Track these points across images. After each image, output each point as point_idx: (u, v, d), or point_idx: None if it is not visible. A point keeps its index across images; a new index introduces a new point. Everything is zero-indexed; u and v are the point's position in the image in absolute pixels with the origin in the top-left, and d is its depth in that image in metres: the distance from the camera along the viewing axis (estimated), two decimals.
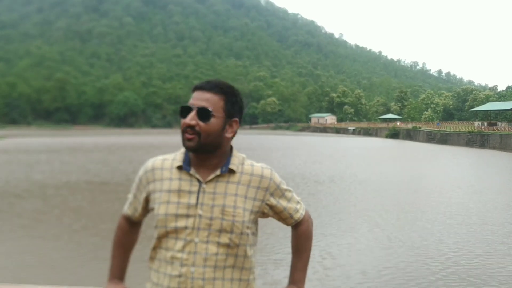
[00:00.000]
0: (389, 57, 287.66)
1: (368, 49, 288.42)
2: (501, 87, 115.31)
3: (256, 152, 30.50)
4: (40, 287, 2.40)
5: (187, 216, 1.43)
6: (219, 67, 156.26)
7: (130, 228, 1.68)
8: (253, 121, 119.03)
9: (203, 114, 1.43)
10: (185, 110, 1.46)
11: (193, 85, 1.53)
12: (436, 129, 58.06)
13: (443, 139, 51.16)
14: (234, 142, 1.54)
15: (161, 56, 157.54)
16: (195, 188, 1.45)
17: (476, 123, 57.64)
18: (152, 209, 1.52)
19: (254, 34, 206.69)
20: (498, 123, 54.04)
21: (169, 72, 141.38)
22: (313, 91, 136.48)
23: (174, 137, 54.34)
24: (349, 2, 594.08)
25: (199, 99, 1.45)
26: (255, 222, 1.55)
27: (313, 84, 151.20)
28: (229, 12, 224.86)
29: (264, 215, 1.56)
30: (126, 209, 1.66)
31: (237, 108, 1.51)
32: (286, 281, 1.65)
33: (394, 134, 66.03)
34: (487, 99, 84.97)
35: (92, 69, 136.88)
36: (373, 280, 6.75)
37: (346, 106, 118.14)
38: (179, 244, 1.42)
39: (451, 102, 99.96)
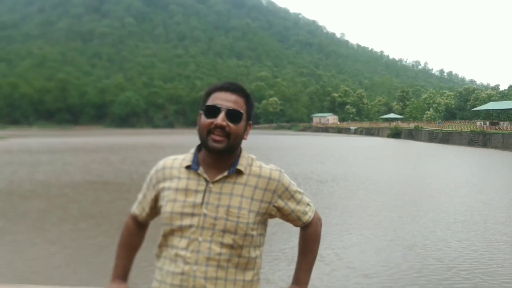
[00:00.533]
0: (390, 57, 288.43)
1: (369, 48, 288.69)
2: (503, 87, 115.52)
3: (258, 151, 30.42)
4: (42, 287, 2.41)
5: (192, 214, 1.43)
6: (221, 67, 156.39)
7: (136, 229, 1.68)
8: (254, 121, 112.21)
9: (234, 115, 1.44)
10: (211, 110, 1.45)
11: (213, 86, 1.51)
12: (438, 128, 57.94)
13: (445, 138, 51.08)
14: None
15: (163, 56, 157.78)
16: (201, 188, 1.45)
17: (478, 123, 57.54)
18: (160, 207, 1.53)
19: (255, 34, 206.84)
20: (500, 122, 53.97)
21: (171, 72, 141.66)
22: (315, 91, 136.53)
23: (176, 137, 54.54)
24: (351, 2, 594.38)
25: (226, 100, 1.45)
26: (263, 224, 1.53)
27: (315, 84, 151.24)
28: (230, 12, 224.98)
29: (272, 216, 1.56)
30: (135, 209, 1.66)
31: (253, 111, 1.55)
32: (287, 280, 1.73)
33: (396, 134, 65.94)
34: (489, 99, 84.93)
35: (94, 69, 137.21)
36: (374, 280, 6.76)
37: (347, 106, 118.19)
38: (183, 242, 1.43)
39: (453, 102, 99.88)
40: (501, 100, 77.84)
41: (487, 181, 18.54)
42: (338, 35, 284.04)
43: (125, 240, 1.67)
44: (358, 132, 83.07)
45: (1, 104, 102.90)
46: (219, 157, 1.47)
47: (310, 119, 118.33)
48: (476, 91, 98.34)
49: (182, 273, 1.40)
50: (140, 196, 1.65)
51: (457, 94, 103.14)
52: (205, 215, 1.43)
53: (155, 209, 1.60)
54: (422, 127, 62.38)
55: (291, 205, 1.56)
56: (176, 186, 1.48)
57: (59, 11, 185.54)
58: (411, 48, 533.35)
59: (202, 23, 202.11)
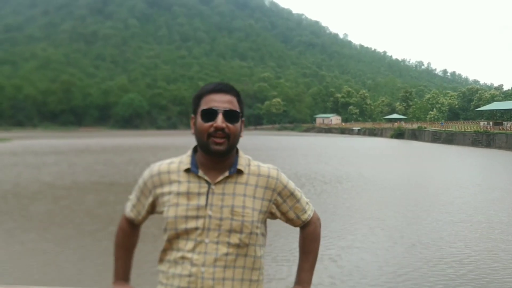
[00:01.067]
0: (393, 57, 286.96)
1: (372, 49, 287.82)
2: (506, 87, 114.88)
3: (262, 152, 30.58)
4: None
5: (197, 217, 1.43)
6: (224, 68, 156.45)
7: (132, 231, 1.69)
8: (258, 122, 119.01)
9: (232, 116, 1.45)
10: (208, 114, 1.45)
11: (203, 89, 1.52)
12: (441, 129, 57.85)
13: (449, 139, 50.99)
14: (239, 143, 1.54)
15: (166, 57, 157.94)
16: (204, 190, 1.46)
17: (481, 123, 57.42)
18: (161, 212, 1.52)
19: (258, 35, 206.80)
20: (504, 122, 53.82)
21: (174, 73, 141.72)
22: (318, 91, 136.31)
23: (180, 138, 54.58)
24: (354, 2, 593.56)
25: (221, 101, 1.46)
26: (264, 223, 1.55)
27: (318, 84, 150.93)
28: (233, 13, 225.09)
29: (272, 215, 1.57)
30: (129, 212, 1.65)
31: (243, 107, 1.54)
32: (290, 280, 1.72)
33: (399, 134, 65.88)
34: (492, 99, 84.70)
35: (97, 71, 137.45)
36: (379, 279, 6.80)
37: (351, 107, 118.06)
38: (190, 244, 1.43)
39: (456, 102, 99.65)
40: (505, 100, 77.63)
41: (491, 181, 18.54)
42: (341, 36, 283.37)
43: (121, 242, 1.69)
44: (361, 132, 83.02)
45: (5, 106, 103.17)
46: (219, 158, 1.47)
47: (313, 120, 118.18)
48: (479, 91, 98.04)
49: (190, 275, 1.41)
50: (132, 198, 1.64)
51: (461, 94, 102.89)
52: (210, 216, 1.43)
53: (151, 213, 1.60)
54: (425, 128, 62.30)
55: (290, 203, 1.58)
56: (177, 190, 1.47)
57: (63, 13, 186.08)
58: (414, 48, 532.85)
59: (205, 24, 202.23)
